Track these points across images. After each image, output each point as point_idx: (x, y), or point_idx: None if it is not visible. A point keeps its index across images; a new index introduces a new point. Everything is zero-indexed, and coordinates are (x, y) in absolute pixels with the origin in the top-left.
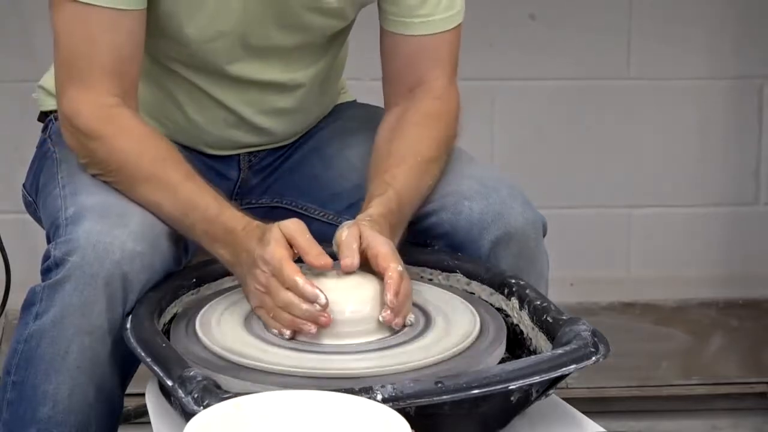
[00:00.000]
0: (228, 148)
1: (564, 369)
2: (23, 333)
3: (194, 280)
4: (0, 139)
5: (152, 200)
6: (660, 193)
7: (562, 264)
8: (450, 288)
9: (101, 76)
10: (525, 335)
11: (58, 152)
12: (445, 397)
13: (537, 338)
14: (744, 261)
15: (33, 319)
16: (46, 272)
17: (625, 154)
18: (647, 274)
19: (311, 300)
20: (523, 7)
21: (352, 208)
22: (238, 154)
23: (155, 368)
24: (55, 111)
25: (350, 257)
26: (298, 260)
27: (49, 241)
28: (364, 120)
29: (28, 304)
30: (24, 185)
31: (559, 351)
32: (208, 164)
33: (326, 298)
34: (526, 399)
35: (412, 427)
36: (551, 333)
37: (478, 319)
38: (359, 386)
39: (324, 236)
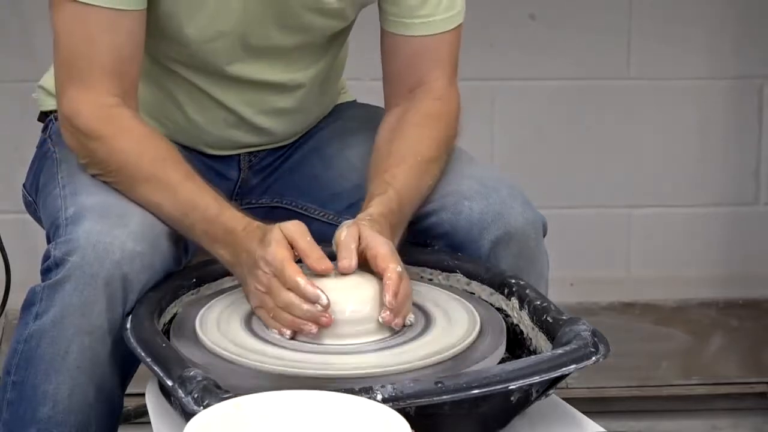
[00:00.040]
0: (228, 148)
1: (564, 369)
2: (23, 333)
3: (194, 280)
4: (0, 139)
5: (152, 200)
6: (660, 193)
7: (562, 264)
8: (450, 288)
9: (101, 77)
10: (525, 335)
11: (58, 152)
12: (445, 397)
13: (537, 338)
14: (744, 261)
15: (33, 319)
16: (46, 272)
17: (625, 154)
18: (647, 274)
19: (313, 301)
20: (523, 7)
21: (352, 208)
22: (238, 154)
23: (155, 368)
24: (55, 111)
25: (348, 258)
26: (298, 261)
27: (49, 241)
28: (364, 120)
29: (28, 304)
30: (24, 185)
31: (559, 351)
32: (208, 164)
33: (328, 299)
34: (526, 399)
35: (412, 427)
36: (551, 333)
37: (478, 319)
38: (359, 386)
39: (324, 236)
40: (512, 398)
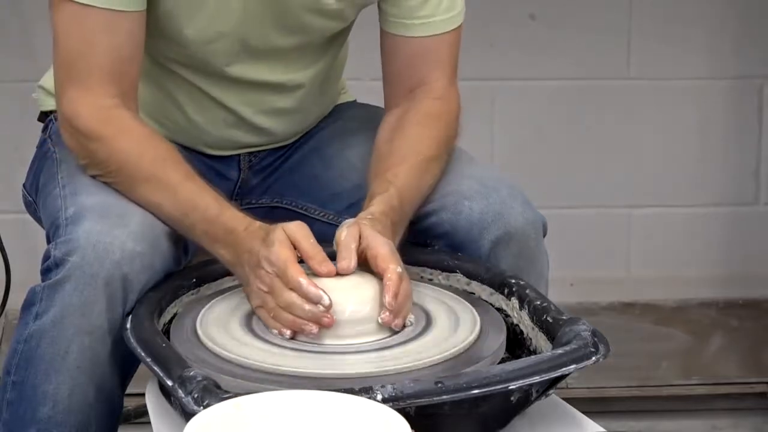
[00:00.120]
0: (228, 148)
1: (564, 369)
2: (23, 333)
3: (194, 280)
4: (0, 139)
5: (152, 201)
6: (660, 193)
7: (562, 264)
8: (450, 288)
9: (100, 78)
10: (525, 335)
11: (58, 152)
12: (445, 397)
13: (537, 338)
14: (744, 261)
15: (33, 319)
16: (46, 272)
17: (625, 154)
18: (647, 274)
19: (315, 301)
20: (523, 7)
21: (353, 208)
22: (238, 155)
23: (155, 368)
24: (55, 111)
25: (347, 259)
26: (300, 261)
27: (49, 241)
28: (364, 120)
29: (28, 304)
30: (24, 185)
31: (559, 351)
32: (208, 164)
33: (330, 300)
34: (526, 399)
35: (412, 427)
36: (551, 333)
37: (478, 319)
38: (359, 386)
39: (324, 236)
40: (512, 398)
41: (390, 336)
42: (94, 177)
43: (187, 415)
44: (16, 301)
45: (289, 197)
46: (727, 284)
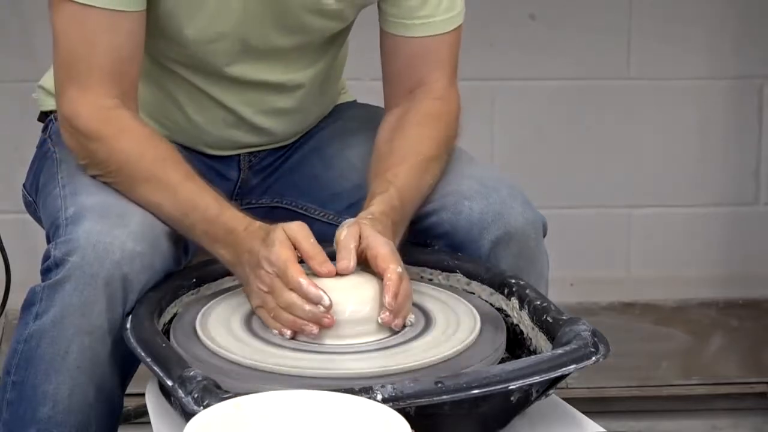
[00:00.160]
0: (228, 148)
1: (564, 369)
2: (23, 333)
3: (194, 280)
4: (0, 139)
5: (152, 201)
6: (660, 193)
7: (562, 264)
8: (450, 288)
9: (100, 78)
10: (525, 335)
11: (58, 152)
12: (445, 397)
13: (537, 338)
14: (744, 261)
15: (33, 319)
16: (46, 272)
17: (625, 154)
18: (647, 274)
19: (315, 301)
20: (523, 7)
21: (353, 208)
22: (238, 155)
23: (155, 368)
24: (55, 111)
25: (347, 259)
26: (300, 262)
27: (49, 241)
28: (364, 120)
29: (28, 304)
30: (24, 185)
31: (559, 351)
32: (208, 164)
33: (330, 300)
34: (526, 399)
35: (412, 427)
36: (551, 333)
37: (478, 319)
38: (359, 386)
39: (324, 236)
40: (512, 398)
41: (390, 336)
42: (94, 177)
43: (187, 415)
44: (16, 301)
45: (289, 197)
46: (727, 284)
